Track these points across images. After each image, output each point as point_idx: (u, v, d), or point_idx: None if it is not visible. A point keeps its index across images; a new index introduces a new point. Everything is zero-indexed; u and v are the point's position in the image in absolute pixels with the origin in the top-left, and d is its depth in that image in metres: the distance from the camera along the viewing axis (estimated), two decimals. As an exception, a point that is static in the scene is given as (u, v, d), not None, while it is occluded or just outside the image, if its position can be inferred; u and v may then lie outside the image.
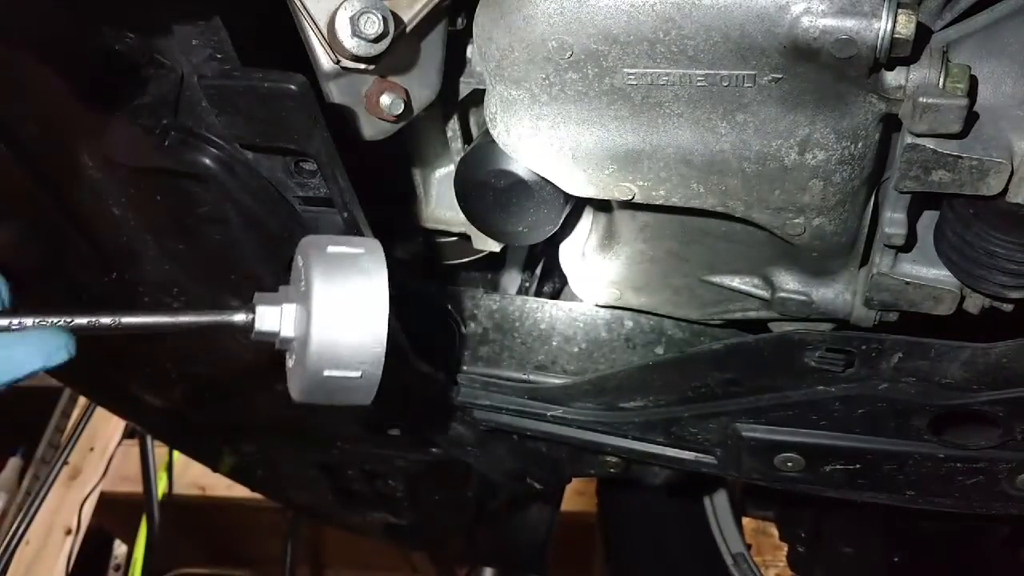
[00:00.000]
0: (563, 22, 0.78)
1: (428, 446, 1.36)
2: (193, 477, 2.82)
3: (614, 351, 1.15)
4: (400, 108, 0.88)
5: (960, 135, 0.76)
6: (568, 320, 1.16)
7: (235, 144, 0.83)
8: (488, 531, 1.87)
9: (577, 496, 2.47)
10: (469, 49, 0.94)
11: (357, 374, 0.67)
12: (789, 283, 1.00)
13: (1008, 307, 0.88)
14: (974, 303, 0.90)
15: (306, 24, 0.81)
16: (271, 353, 0.72)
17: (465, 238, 1.15)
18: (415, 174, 1.10)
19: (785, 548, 1.86)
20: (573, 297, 1.17)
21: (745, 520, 1.91)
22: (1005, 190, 0.79)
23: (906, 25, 0.70)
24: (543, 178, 0.93)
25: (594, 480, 1.96)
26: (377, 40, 0.79)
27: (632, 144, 0.85)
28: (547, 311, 1.18)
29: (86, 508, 2.82)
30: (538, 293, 1.30)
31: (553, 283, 1.34)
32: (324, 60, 0.83)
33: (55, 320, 0.64)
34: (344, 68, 0.83)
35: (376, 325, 0.66)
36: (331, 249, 0.68)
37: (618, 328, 1.15)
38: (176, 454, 2.69)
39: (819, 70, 0.75)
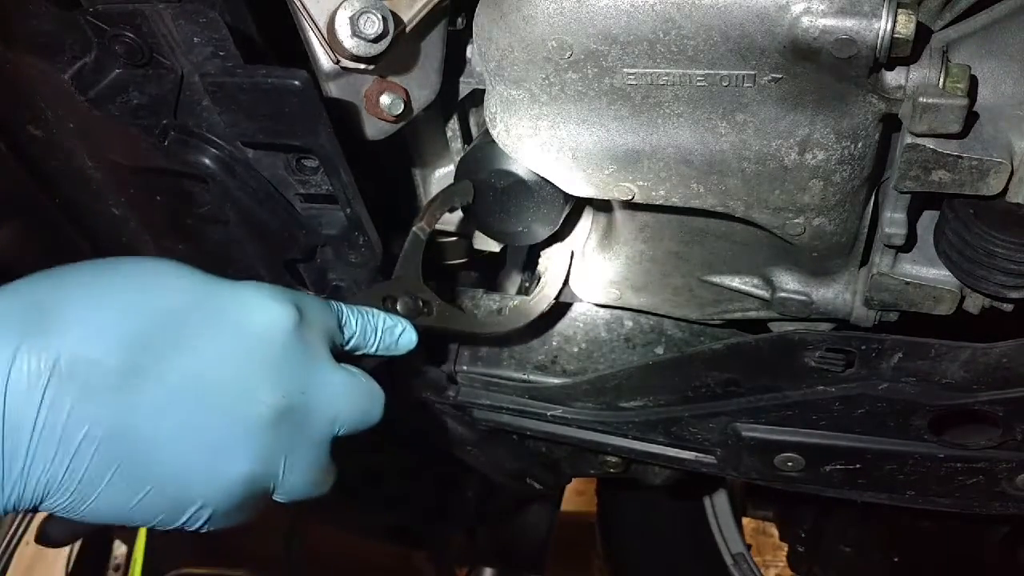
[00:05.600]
0: (563, 22, 0.78)
1: (428, 446, 1.36)
2: (193, 477, 2.81)
3: (614, 351, 1.14)
4: (400, 108, 0.88)
5: (960, 135, 0.76)
6: (568, 320, 1.16)
7: (235, 143, 0.83)
8: (488, 531, 1.87)
9: (577, 496, 2.47)
10: (469, 49, 0.94)
11: None
12: (789, 283, 1.00)
13: (1008, 307, 0.88)
14: (974, 303, 0.90)
15: (306, 24, 0.81)
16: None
17: (465, 238, 1.15)
18: (415, 174, 1.09)
19: (785, 548, 1.86)
20: (573, 297, 1.17)
21: (745, 520, 1.91)
22: (1005, 190, 0.79)
23: (906, 25, 0.70)
24: (543, 178, 0.93)
25: (594, 480, 1.96)
26: (377, 40, 0.79)
27: (632, 144, 0.85)
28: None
29: (86, 508, 2.82)
30: (538, 293, 1.30)
31: (553, 283, 1.34)
32: (324, 60, 0.83)
33: None
34: (344, 68, 0.83)
35: None
36: None
37: (618, 328, 1.15)
38: (176, 454, 2.69)
39: (819, 70, 0.75)
